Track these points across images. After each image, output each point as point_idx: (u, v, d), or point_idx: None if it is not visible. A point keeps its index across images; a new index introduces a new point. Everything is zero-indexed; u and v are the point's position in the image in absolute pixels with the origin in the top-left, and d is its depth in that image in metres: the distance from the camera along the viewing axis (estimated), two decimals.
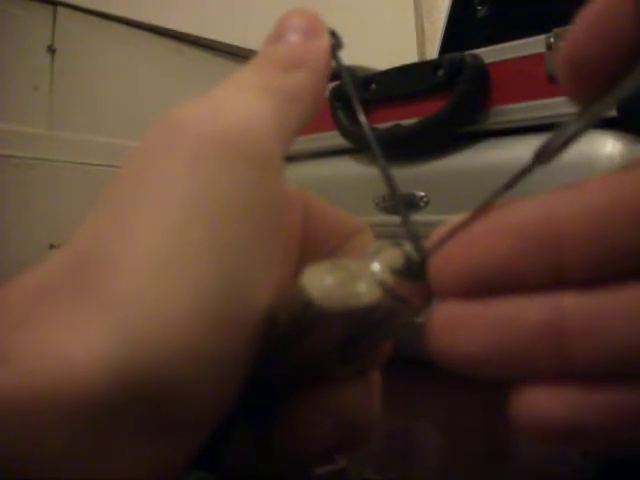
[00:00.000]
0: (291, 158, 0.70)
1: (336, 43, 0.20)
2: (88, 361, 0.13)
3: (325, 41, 0.20)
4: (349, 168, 0.67)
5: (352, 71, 0.66)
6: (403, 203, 0.18)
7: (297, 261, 0.20)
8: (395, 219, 0.71)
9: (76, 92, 0.90)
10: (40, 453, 0.13)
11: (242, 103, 0.18)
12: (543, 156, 0.15)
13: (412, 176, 0.59)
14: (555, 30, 0.53)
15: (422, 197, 0.58)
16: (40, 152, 0.85)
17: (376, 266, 0.16)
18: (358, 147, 0.65)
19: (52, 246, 0.85)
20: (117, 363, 0.14)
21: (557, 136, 0.15)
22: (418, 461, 0.38)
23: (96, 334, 0.14)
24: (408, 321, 0.17)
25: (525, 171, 0.15)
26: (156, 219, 0.15)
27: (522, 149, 0.53)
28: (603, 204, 0.14)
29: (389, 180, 0.18)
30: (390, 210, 0.61)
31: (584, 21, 0.14)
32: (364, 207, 0.63)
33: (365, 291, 0.16)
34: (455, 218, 0.16)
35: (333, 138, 0.67)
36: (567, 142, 0.15)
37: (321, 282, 0.16)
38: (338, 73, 0.21)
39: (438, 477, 0.36)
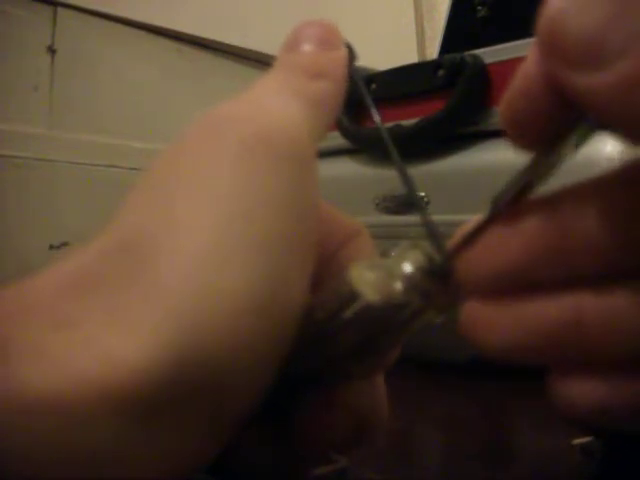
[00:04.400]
0: None
1: (352, 56, 0.21)
2: (138, 356, 0.13)
3: (343, 53, 0.21)
4: (349, 168, 0.67)
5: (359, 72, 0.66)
6: (422, 203, 0.19)
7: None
8: (394, 219, 0.71)
9: (76, 92, 0.90)
10: (85, 453, 0.13)
11: (279, 105, 0.19)
12: (500, 205, 0.16)
13: (412, 176, 0.59)
14: None
15: (422, 197, 0.58)
16: (40, 152, 0.85)
17: (407, 266, 0.17)
18: (358, 147, 0.65)
19: (52, 246, 0.85)
20: (172, 354, 0.14)
21: (510, 186, 0.16)
22: (419, 461, 0.38)
23: (148, 325, 0.14)
24: (429, 321, 0.18)
25: (489, 220, 0.16)
26: (207, 211, 0.15)
27: None
28: (601, 212, 0.15)
29: (407, 181, 0.19)
30: (390, 210, 0.61)
31: (509, 94, 0.15)
32: (364, 207, 0.63)
33: (401, 289, 0.17)
34: (473, 221, 0.17)
35: (333, 138, 0.67)
36: (522, 192, 0.16)
37: (366, 278, 0.17)
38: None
39: (438, 477, 0.36)
